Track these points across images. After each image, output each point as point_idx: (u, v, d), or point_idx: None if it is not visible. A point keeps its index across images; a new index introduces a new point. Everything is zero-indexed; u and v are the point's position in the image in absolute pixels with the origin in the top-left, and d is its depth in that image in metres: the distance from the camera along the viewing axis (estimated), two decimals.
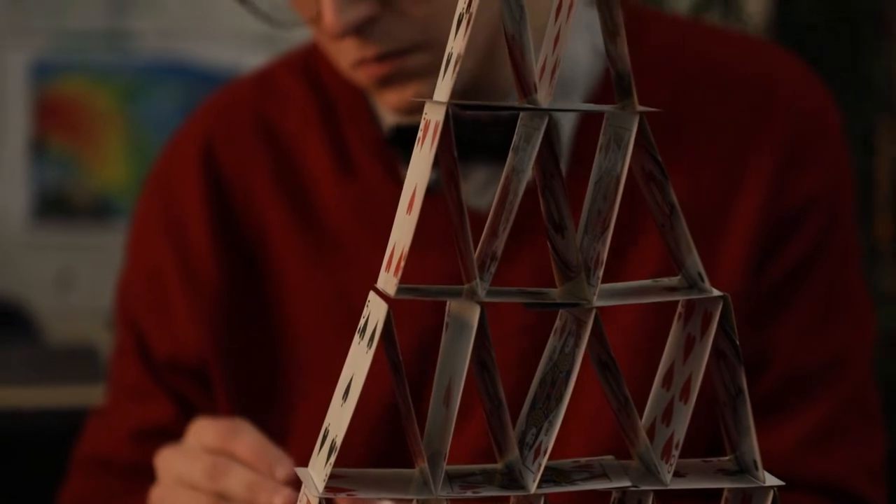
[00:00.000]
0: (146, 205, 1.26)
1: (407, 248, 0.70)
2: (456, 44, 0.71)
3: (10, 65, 2.72)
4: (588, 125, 1.15)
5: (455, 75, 0.70)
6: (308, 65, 1.24)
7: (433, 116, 0.71)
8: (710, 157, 1.16)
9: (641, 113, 0.72)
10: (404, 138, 1.17)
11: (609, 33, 0.72)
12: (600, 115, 0.73)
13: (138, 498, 1.13)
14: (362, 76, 1.11)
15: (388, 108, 1.14)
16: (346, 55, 1.10)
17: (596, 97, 1.16)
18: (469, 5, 0.71)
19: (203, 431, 1.06)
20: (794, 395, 1.15)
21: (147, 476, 1.12)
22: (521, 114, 0.72)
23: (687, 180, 1.14)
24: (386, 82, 1.10)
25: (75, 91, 2.75)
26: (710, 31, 1.27)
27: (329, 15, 1.06)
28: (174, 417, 1.20)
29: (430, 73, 1.09)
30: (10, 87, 2.73)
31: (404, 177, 1.12)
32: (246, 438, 1.03)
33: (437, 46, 1.07)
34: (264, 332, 1.19)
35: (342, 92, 1.21)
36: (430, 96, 1.07)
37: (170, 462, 1.07)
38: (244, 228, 1.21)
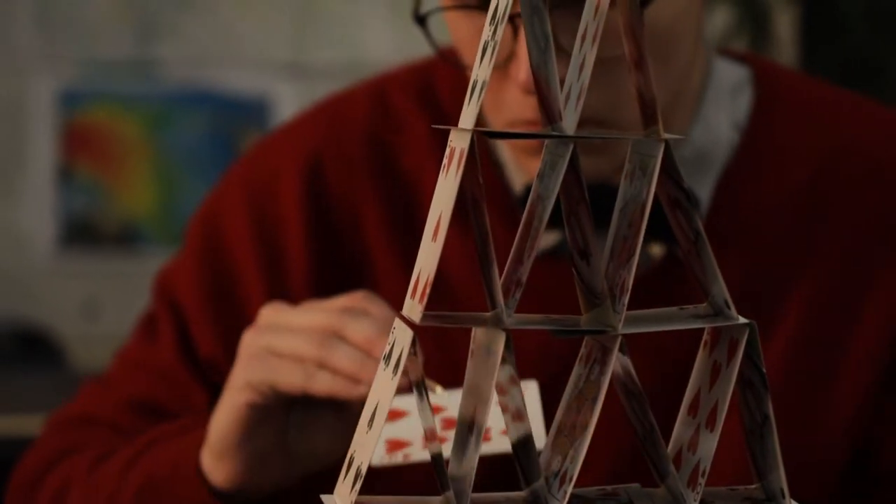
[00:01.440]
0: (230, 200, 1.19)
1: (432, 276, 0.70)
2: (481, 72, 0.71)
3: (38, 92, 2.74)
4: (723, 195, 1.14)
5: (479, 102, 0.70)
6: (426, 90, 1.19)
7: (458, 144, 0.71)
8: (847, 246, 1.14)
9: (667, 140, 0.72)
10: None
11: (634, 63, 0.72)
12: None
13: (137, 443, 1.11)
14: (523, 142, 1.07)
15: (523, 149, 1.10)
16: (521, 111, 1.04)
17: (732, 170, 1.14)
18: (494, 33, 0.71)
19: (324, 302, 1.03)
20: None
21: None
22: (547, 141, 0.72)
23: (822, 264, 1.13)
24: None
25: (102, 119, 2.77)
26: (855, 104, 1.23)
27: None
28: (204, 405, 1.15)
29: (596, 151, 1.07)
30: (37, 115, 2.74)
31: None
32: (363, 322, 1.00)
33: (612, 126, 1.05)
34: None
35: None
36: (603, 170, 1.07)
37: (278, 311, 1.03)
38: (346, 256, 1.16)
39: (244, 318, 1.10)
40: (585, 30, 0.72)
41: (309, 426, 1.04)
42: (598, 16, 0.71)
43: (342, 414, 1.03)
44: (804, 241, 1.14)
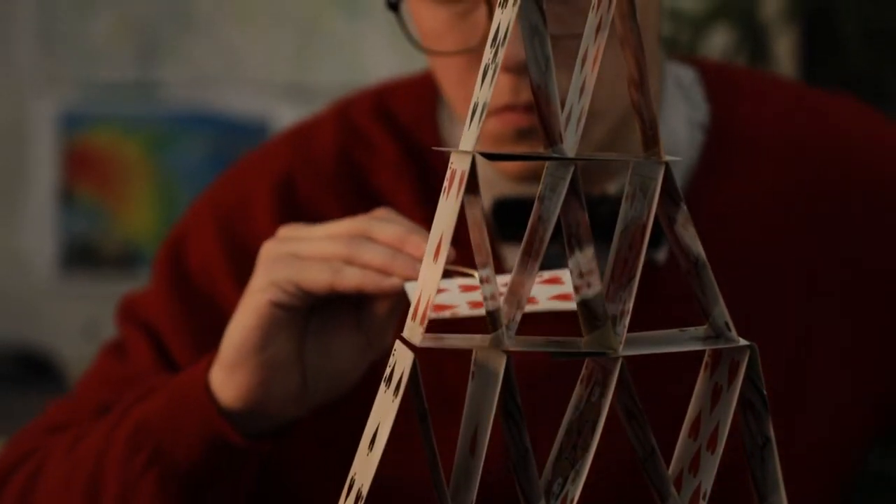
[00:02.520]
0: (199, 224, 1.18)
1: (433, 297, 0.70)
2: (481, 94, 0.72)
3: (39, 114, 2.74)
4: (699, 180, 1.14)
5: (480, 125, 0.70)
6: (385, 111, 1.18)
7: (459, 165, 0.71)
8: (824, 240, 1.15)
9: (667, 162, 0.72)
10: (507, 213, 1.12)
11: (635, 84, 0.73)
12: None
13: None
14: (501, 124, 1.04)
15: (507, 172, 1.09)
16: (496, 97, 1.03)
17: (701, 171, 1.14)
18: (495, 56, 0.71)
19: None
20: None
21: None
22: (548, 163, 0.72)
23: (801, 259, 1.14)
24: (523, 137, 1.04)
25: (103, 141, 2.77)
26: (800, 91, 1.25)
27: (513, 44, 1.02)
28: None
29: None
30: (38, 137, 2.74)
31: (501, 253, 1.11)
32: (388, 226, 0.98)
33: (589, 112, 1.04)
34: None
35: (439, 156, 1.15)
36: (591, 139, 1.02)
37: (296, 227, 1.01)
38: None
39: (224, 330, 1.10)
40: (586, 52, 0.72)
41: (328, 336, 1.01)
42: (598, 38, 0.71)
43: (363, 325, 1.01)
44: (780, 236, 1.14)
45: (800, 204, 1.15)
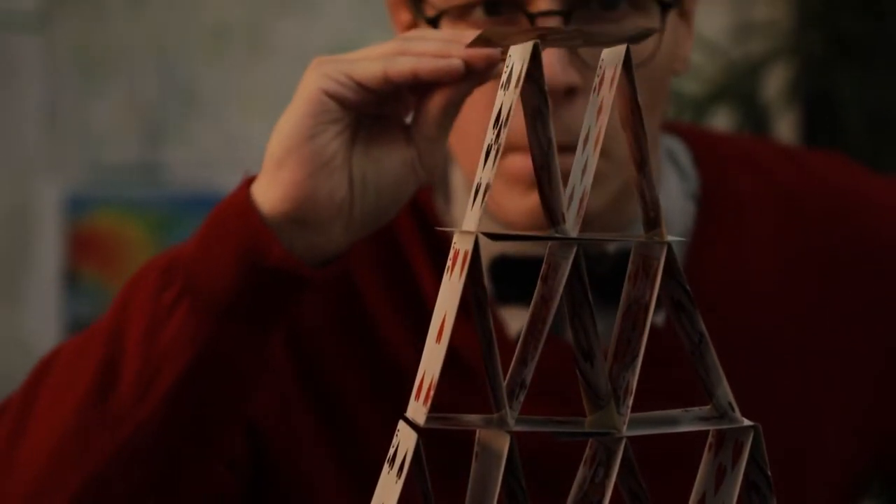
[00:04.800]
0: None
1: (436, 377, 0.70)
2: (484, 174, 0.72)
3: (44, 197, 2.75)
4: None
5: (483, 205, 0.71)
6: None
7: (462, 246, 0.71)
8: (825, 293, 1.15)
9: (669, 243, 0.72)
10: (506, 273, 1.10)
11: (637, 165, 0.73)
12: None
13: None
14: (524, 163, 1.02)
15: (517, 215, 1.06)
16: (517, 137, 0.98)
17: (692, 240, 1.14)
18: (497, 136, 0.72)
19: None
20: None
21: None
22: (550, 243, 0.72)
23: (802, 317, 1.14)
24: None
25: (108, 223, 2.78)
26: (774, 148, 1.26)
27: (551, 67, 1.00)
28: None
29: (596, 182, 1.03)
30: (43, 220, 2.75)
31: (501, 317, 1.10)
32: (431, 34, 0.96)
33: (609, 156, 1.02)
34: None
35: (404, 220, 1.12)
36: (594, 206, 1.03)
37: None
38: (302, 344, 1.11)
39: None
40: (588, 133, 0.72)
41: (377, 147, 0.97)
42: (600, 119, 0.72)
43: (414, 140, 0.97)
44: (777, 301, 1.15)
45: (795, 265, 1.16)
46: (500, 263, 1.11)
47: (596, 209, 1.06)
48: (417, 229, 1.13)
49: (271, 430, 1.10)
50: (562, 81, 1.01)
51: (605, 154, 1.03)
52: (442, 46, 0.93)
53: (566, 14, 1.01)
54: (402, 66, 0.93)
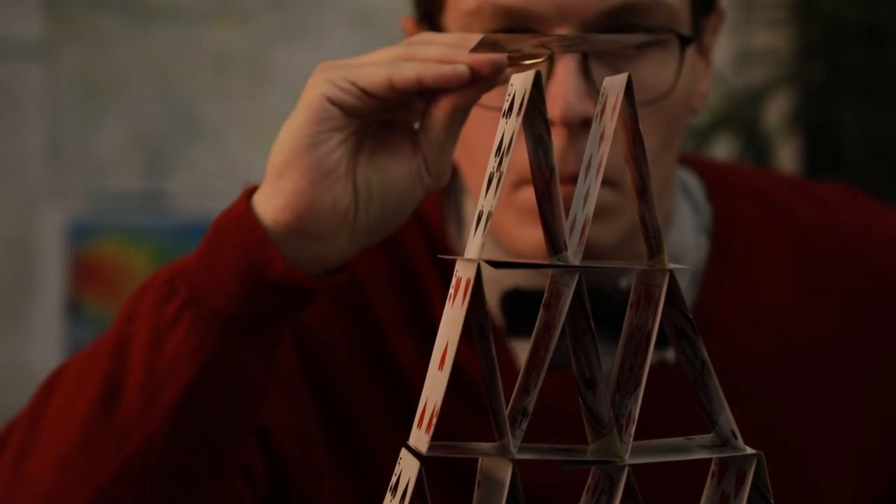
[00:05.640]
0: None
1: (439, 405, 0.70)
2: (486, 202, 0.72)
3: (47, 225, 2.75)
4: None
5: (485, 233, 0.71)
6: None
7: (464, 273, 0.71)
8: (843, 326, 1.15)
9: (671, 270, 0.72)
10: (517, 305, 1.10)
11: (638, 193, 0.73)
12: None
13: None
14: (528, 199, 1.01)
15: (529, 246, 1.05)
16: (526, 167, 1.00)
17: (705, 274, 1.14)
18: (499, 164, 0.72)
19: None
20: None
21: None
22: (552, 271, 0.72)
23: (816, 352, 1.14)
24: None
25: (111, 252, 2.78)
26: (783, 180, 1.26)
27: (568, 97, 1.00)
28: None
29: (608, 214, 1.04)
30: (46, 248, 2.75)
31: (512, 350, 1.10)
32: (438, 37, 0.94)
33: (621, 189, 1.02)
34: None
35: (416, 244, 1.12)
36: (607, 239, 1.03)
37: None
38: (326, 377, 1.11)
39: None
40: (590, 160, 0.72)
41: (383, 155, 0.95)
42: (602, 147, 0.72)
43: (420, 147, 0.95)
44: (790, 336, 1.15)
45: (808, 299, 1.15)
46: (513, 296, 1.11)
47: (609, 243, 1.05)
48: (430, 256, 1.13)
49: (287, 453, 1.09)
50: (578, 113, 1.01)
51: (616, 186, 1.03)
52: (447, 51, 0.91)
53: None
54: (407, 72, 0.91)
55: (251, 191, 0.97)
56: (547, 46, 0.92)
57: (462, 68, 0.90)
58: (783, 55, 2.23)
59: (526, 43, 0.87)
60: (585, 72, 1.01)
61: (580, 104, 1.01)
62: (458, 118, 0.94)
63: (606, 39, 0.94)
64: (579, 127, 1.01)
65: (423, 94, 0.94)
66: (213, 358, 0.95)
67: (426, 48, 0.92)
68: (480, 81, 0.91)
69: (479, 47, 0.81)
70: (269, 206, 0.95)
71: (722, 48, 1.16)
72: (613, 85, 0.73)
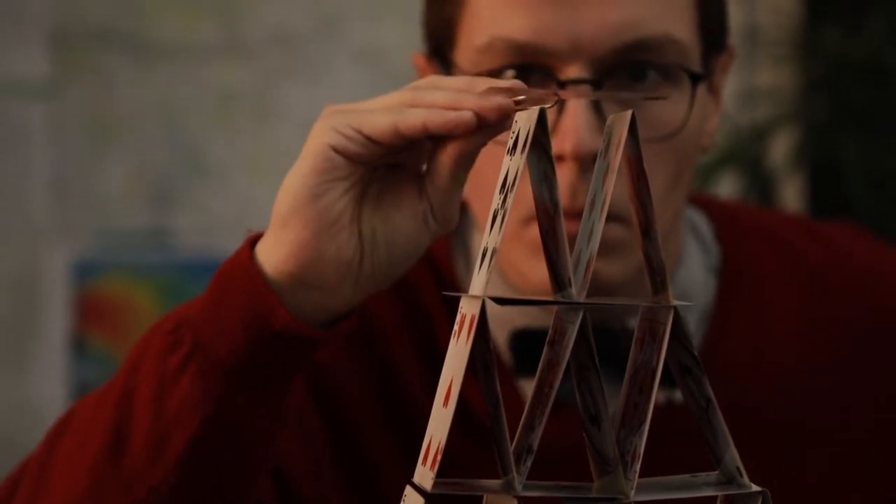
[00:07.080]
0: None
1: (443, 443, 0.70)
2: (491, 238, 0.72)
3: (52, 263, 2.76)
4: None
5: (489, 269, 0.71)
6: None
7: (468, 310, 0.71)
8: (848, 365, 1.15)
9: (676, 307, 0.72)
10: (525, 345, 1.11)
11: (643, 230, 0.73)
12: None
13: None
14: (538, 235, 1.02)
15: (541, 283, 1.04)
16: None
17: (713, 314, 1.14)
18: (504, 202, 0.72)
19: None
20: None
21: None
22: (557, 307, 0.72)
23: (825, 394, 1.14)
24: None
25: (116, 289, 2.78)
26: (794, 221, 1.26)
27: (580, 133, 1.01)
28: None
29: (617, 250, 1.05)
30: (51, 285, 2.75)
31: (521, 390, 1.10)
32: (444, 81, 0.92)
33: (629, 225, 1.02)
34: None
35: (427, 288, 1.13)
36: (616, 275, 1.03)
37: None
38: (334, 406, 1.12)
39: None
40: (594, 197, 0.73)
41: (388, 203, 0.94)
42: (606, 183, 0.72)
43: (426, 193, 0.94)
44: (799, 377, 1.15)
45: (817, 340, 1.15)
46: (522, 336, 1.11)
47: (619, 279, 1.05)
48: (439, 293, 1.13)
49: (300, 491, 1.09)
50: (590, 148, 1.01)
51: (626, 222, 1.04)
52: (453, 97, 0.90)
53: (596, 82, 1.02)
54: (413, 119, 0.90)
55: (254, 239, 0.97)
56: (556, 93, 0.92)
57: (468, 115, 0.89)
58: (787, 92, 2.24)
59: (534, 92, 0.86)
60: (597, 107, 1.02)
61: (592, 139, 1.01)
62: (465, 164, 0.93)
63: (614, 96, 0.94)
64: (590, 162, 1.01)
65: (431, 136, 0.93)
66: (218, 410, 0.95)
67: (432, 94, 0.91)
68: (487, 128, 0.90)
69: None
70: (273, 256, 0.94)
71: (726, 85, 1.16)
72: (618, 122, 0.73)
